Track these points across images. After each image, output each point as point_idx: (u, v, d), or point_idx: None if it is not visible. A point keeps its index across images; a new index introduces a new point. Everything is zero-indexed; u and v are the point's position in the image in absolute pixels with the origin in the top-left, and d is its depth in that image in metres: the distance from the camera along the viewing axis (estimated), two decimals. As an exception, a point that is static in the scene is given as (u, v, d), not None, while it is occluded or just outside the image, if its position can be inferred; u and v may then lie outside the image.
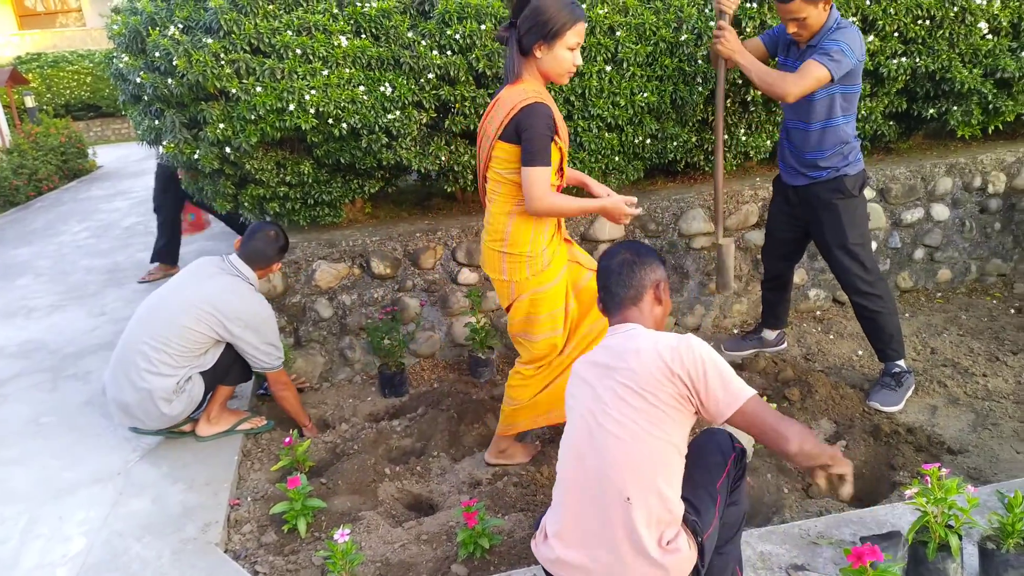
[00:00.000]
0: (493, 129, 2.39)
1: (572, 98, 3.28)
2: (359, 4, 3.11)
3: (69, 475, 2.85)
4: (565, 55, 2.32)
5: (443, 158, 3.43)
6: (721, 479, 1.73)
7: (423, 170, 3.51)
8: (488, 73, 3.21)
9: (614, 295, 1.81)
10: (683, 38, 3.20)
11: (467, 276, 3.66)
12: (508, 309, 2.58)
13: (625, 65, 3.25)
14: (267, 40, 3.03)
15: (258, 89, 3.02)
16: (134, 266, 5.81)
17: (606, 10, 3.20)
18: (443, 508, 2.56)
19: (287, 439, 2.81)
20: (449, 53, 3.19)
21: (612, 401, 1.64)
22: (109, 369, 2.99)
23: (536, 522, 1.85)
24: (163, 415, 2.87)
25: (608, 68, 3.24)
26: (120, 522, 2.53)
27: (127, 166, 12.19)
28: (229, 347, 2.97)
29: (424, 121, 3.35)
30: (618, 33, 3.20)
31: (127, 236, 6.89)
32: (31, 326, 4.55)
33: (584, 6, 3.22)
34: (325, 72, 3.06)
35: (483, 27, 3.15)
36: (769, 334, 3.51)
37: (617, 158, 3.44)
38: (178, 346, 2.84)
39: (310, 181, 3.48)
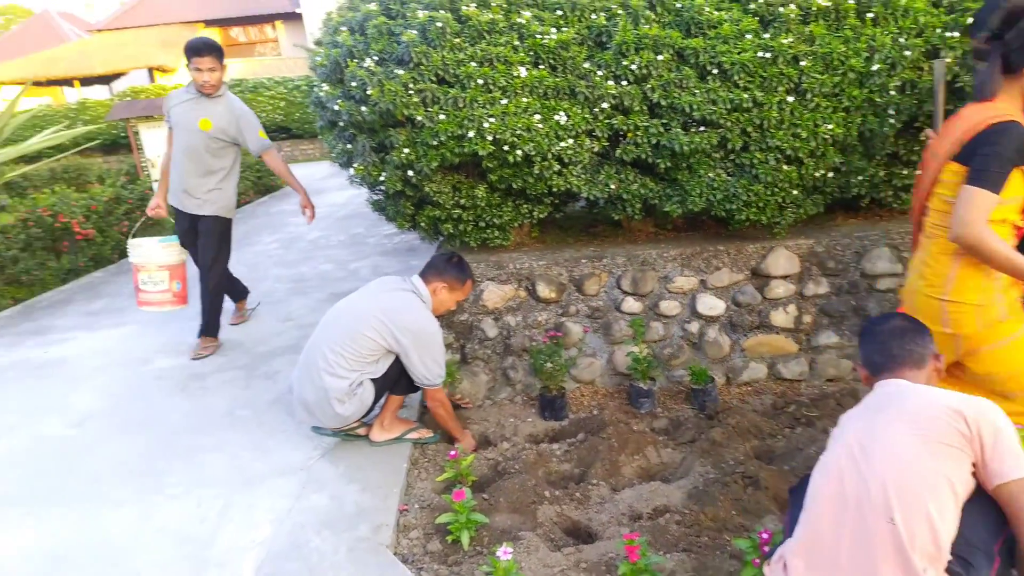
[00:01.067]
0: (945, 148, 2.16)
1: (750, 129, 3.21)
2: (539, 36, 3.22)
3: (258, 466, 3.12)
4: None
5: (612, 186, 3.46)
6: (999, 543, 1.60)
7: (592, 197, 3.56)
8: (663, 103, 3.21)
9: (894, 356, 1.84)
10: (875, 68, 3.04)
11: (631, 305, 3.65)
12: (962, 365, 2.23)
13: (809, 96, 3.13)
14: (452, 71, 3.20)
15: (441, 117, 3.19)
16: (317, 277, 6.28)
17: (790, 39, 3.11)
18: (602, 538, 2.56)
19: (452, 452, 2.92)
20: (624, 83, 3.23)
21: (883, 427, 1.63)
22: (296, 369, 3.27)
23: (768, 553, 1.82)
24: (337, 414, 3.09)
25: (790, 99, 3.14)
26: (301, 515, 2.74)
27: (312, 184, 13.16)
28: (399, 359, 3.14)
29: (595, 149, 3.40)
30: (803, 63, 3.09)
31: (311, 248, 7.47)
32: (228, 327, 5.02)
33: (767, 36, 3.15)
34: (504, 101, 3.18)
35: (660, 57, 3.16)
36: None
37: (795, 192, 3.32)
38: (352, 351, 3.05)
39: (483, 205, 3.63)
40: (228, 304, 4.75)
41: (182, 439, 3.40)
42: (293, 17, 22.90)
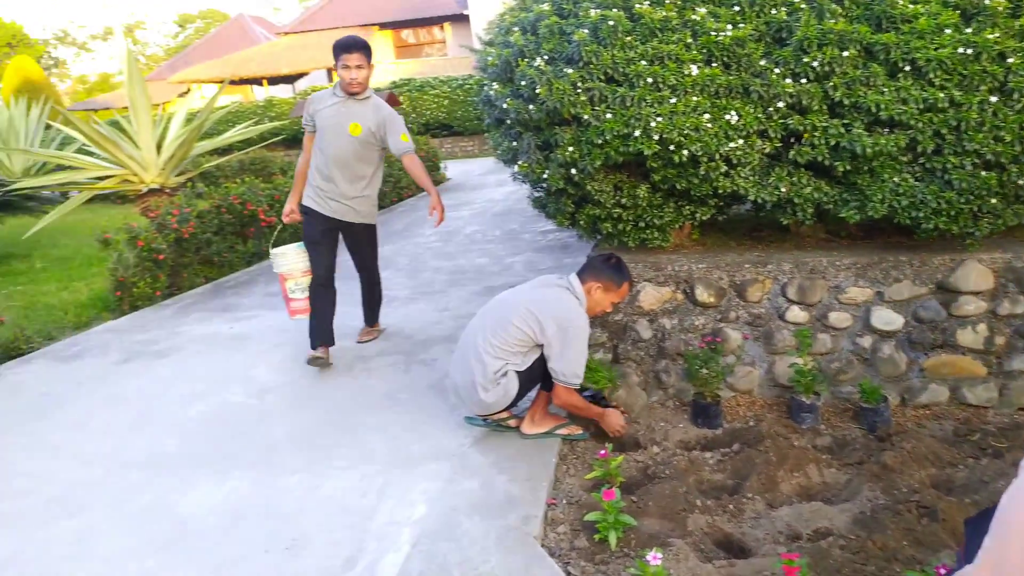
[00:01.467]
0: None
1: (944, 131, 2.95)
2: (713, 33, 3.13)
3: (415, 448, 3.26)
4: None
5: (783, 189, 3.31)
6: None
7: (760, 200, 3.42)
8: (846, 102, 3.02)
9: None
10: (1101, 63, 2.71)
11: (796, 314, 3.48)
12: None
13: (1016, 96, 2.84)
14: (621, 69, 3.18)
15: (608, 115, 3.19)
16: (473, 270, 6.47)
17: (997, 34, 2.83)
18: (756, 554, 2.46)
19: (602, 451, 2.92)
20: (803, 81, 3.07)
21: None
22: (453, 354, 3.41)
23: None
24: (480, 400, 3.17)
25: (993, 99, 2.86)
26: (454, 498, 2.84)
27: (469, 180, 13.64)
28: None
29: (767, 150, 3.26)
30: (1010, 60, 2.80)
31: (468, 242, 7.71)
32: (392, 313, 5.29)
33: (969, 31, 2.89)
34: (673, 100, 3.12)
35: (845, 54, 2.98)
36: None
37: (994, 200, 3.02)
38: (501, 339, 3.13)
39: (644, 205, 3.58)
40: (353, 321, 4.93)
41: (348, 416, 3.63)
42: (460, 19, 23.71)
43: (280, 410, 3.77)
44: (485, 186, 12.51)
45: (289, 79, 23.60)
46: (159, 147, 8.46)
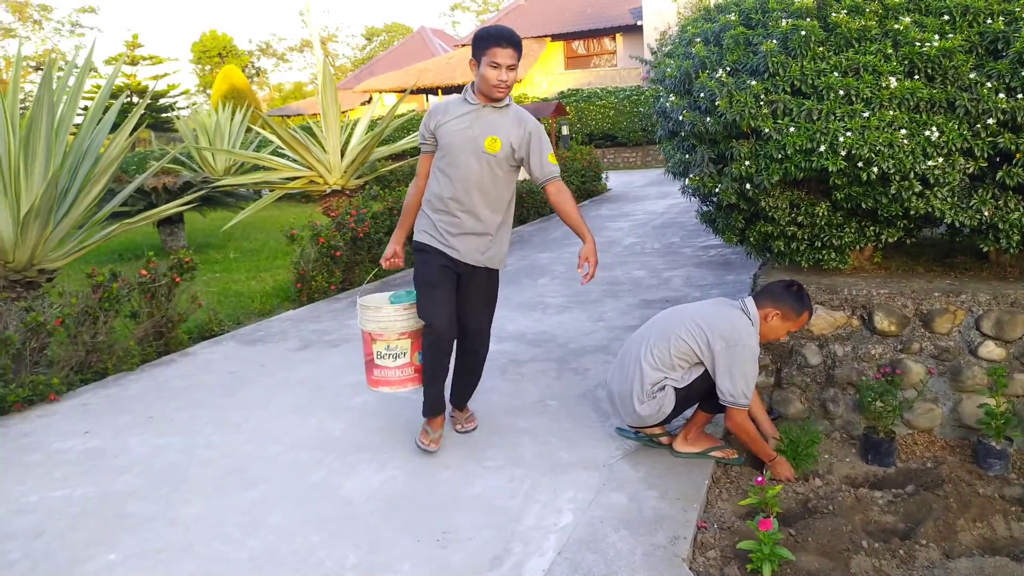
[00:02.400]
0: None
1: None
2: (918, 44, 2.91)
3: (564, 455, 3.27)
4: None
5: (986, 213, 3.01)
6: None
7: (957, 224, 3.14)
8: (1071, 120, 2.71)
9: None
10: None
11: (991, 350, 3.15)
12: None
13: None
14: (810, 81, 3.03)
15: (791, 129, 3.05)
16: (630, 282, 6.42)
17: None
18: (929, 607, 2.25)
19: (759, 478, 2.78)
20: (1020, 96, 2.78)
21: None
22: (614, 363, 3.39)
23: None
24: (634, 411, 3.12)
25: None
26: (601, 510, 2.81)
27: (630, 191, 13.55)
28: (708, 373, 3.07)
29: (970, 170, 2.99)
30: None
31: (626, 254, 7.65)
32: (546, 320, 5.36)
33: None
34: (865, 114, 2.93)
35: (1073, 66, 2.67)
36: None
37: None
38: (664, 351, 3.08)
39: (822, 223, 3.39)
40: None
41: (500, 418, 3.70)
42: (633, 29, 23.63)
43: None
44: (646, 198, 12.38)
45: (462, 89, 24.58)
46: (343, 152, 9.08)
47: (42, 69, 5.76)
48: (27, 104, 5.85)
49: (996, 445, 3.02)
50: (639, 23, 22.90)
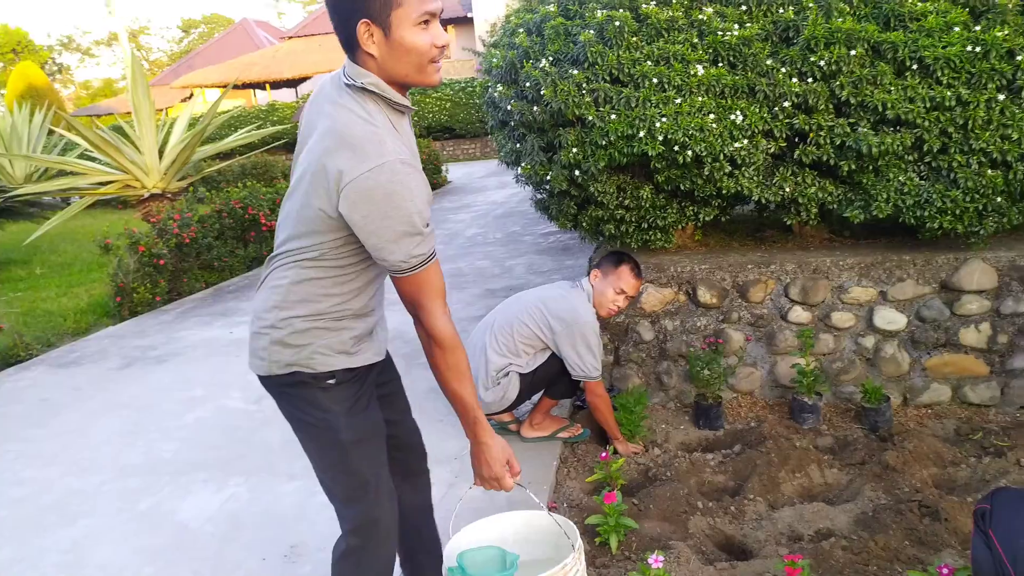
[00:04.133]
0: None
1: (951, 129, 2.93)
2: (720, 33, 3.11)
3: (415, 451, 3.23)
4: None
5: (787, 189, 3.29)
6: None
7: (763, 200, 3.40)
8: (852, 101, 3.00)
9: None
10: (1108, 61, 2.68)
11: (799, 314, 3.45)
12: None
13: None
14: (627, 70, 3.16)
15: (612, 116, 3.16)
16: (474, 273, 6.46)
17: (1006, 32, 2.80)
18: (758, 556, 2.43)
19: (603, 454, 2.89)
20: (810, 80, 3.05)
21: None
22: None
23: None
24: (479, 399, 3.15)
25: (1001, 97, 2.84)
26: (455, 503, 2.80)
27: (471, 183, 13.64)
28: (553, 358, 3.15)
29: (772, 150, 3.24)
30: (1019, 57, 2.78)
31: (469, 245, 7.69)
32: (390, 317, 5.25)
33: (977, 28, 2.87)
34: (678, 100, 3.10)
35: (852, 53, 2.95)
36: None
37: (999, 199, 2.99)
38: (509, 336, 3.16)
39: (647, 206, 3.56)
40: None
41: (348, 418, 3.60)
42: (464, 21, 23.74)
43: (278, 415, 3.69)
44: (487, 188, 12.51)
45: (292, 83, 23.63)
46: (161, 152, 8.46)
47: None
48: None
49: (808, 401, 3.32)
50: (469, 15, 23.06)
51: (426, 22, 1.52)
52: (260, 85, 23.19)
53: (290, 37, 26.03)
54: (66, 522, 2.85)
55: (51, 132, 13.50)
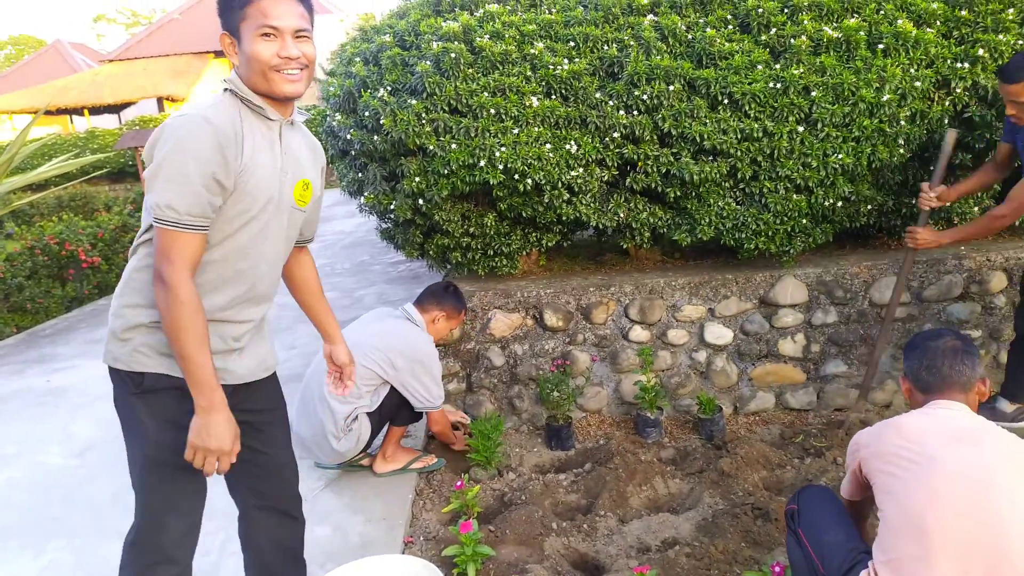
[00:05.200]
0: None
1: (760, 158, 3.21)
2: (551, 67, 3.24)
3: (261, 496, 3.06)
4: None
5: (621, 215, 3.47)
6: None
7: (601, 226, 3.56)
8: (674, 133, 3.22)
9: (945, 376, 1.86)
10: (885, 98, 3.05)
11: (638, 334, 3.63)
12: None
13: (819, 125, 3.14)
14: (465, 101, 3.22)
15: (453, 146, 3.20)
16: (321, 304, 6.26)
17: (801, 70, 3.13)
18: (610, 571, 2.51)
19: (458, 483, 2.88)
20: (635, 113, 3.24)
21: (1002, 466, 1.63)
22: (295, 404, 3.24)
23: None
24: (334, 450, 3.06)
25: (801, 128, 3.15)
26: (307, 547, 2.68)
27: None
28: (394, 390, 3.11)
29: (605, 178, 3.41)
30: (813, 93, 3.11)
31: (315, 276, 7.47)
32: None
33: (777, 67, 3.17)
34: (515, 131, 3.19)
35: (671, 88, 3.17)
36: (1007, 406, 3.17)
37: (805, 220, 3.31)
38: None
39: (492, 233, 3.63)
40: None
41: (185, 467, 3.36)
42: (301, 49, 23.17)
43: (105, 468, 3.43)
44: (334, 218, 12.21)
45: (114, 109, 22.03)
46: (-42, 183, 7.59)
47: None
48: None
49: (651, 416, 3.49)
50: (309, 42, 22.58)
51: (268, 34, 1.63)
52: (78, 111, 21.45)
53: (111, 60, 24.28)
54: None
55: None
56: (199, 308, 1.60)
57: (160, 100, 21.45)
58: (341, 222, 11.54)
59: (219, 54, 23.95)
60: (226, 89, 1.68)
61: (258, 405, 1.91)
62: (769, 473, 3.09)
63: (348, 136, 3.44)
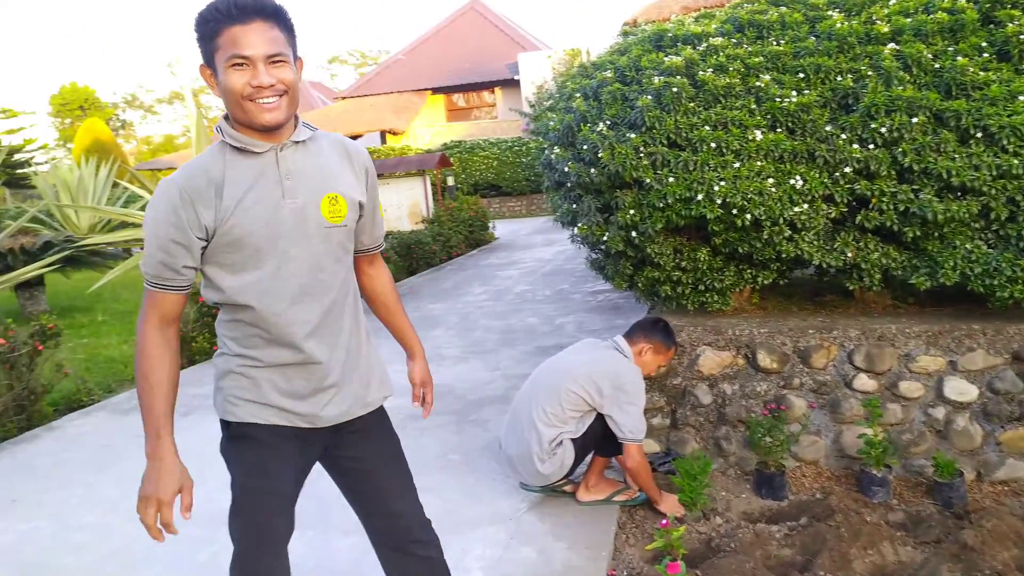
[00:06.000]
0: None
1: (1019, 198, 2.88)
2: (778, 100, 3.14)
3: (469, 512, 3.21)
4: None
5: (849, 254, 3.25)
6: None
7: (824, 265, 3.37)
8: (915, 168, 2.98)
9: None
10: None
11: (864, 383, 3.36)
12: None
13: (1096, 161, 2.76)
14: (684, 134, 3.20)
15: (670, 179, 3.19)
16: (524, 330, 6.47)
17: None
18: (831, 637, 2.33)
19: (664, 521, 2.82)
20: (871, 147, 3.05)
21: None
22: (505, 424, 3.38)
23: None
24: (538, 472, 3.12)
25: (1073, 164, 2.79)
26: (510, 566, 2.76)
27: (518, 239, 13.77)
28: (600, 418, 3.12)
29: (832, 215, 3.22)
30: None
31: (518, 302, 7.73)
32: (442, 372, 5.29)
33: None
34: (736, 164, 3.12)
35: (914, 120, 2.95)
36: None
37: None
38: (557, 407, 3.11)
39: (704, 268, 3.55)
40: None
41: (401, 476, 3.59)
42: (510, 83, 24.32)
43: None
44: (533, 246, 12.61)
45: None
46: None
47: None
48: None
49: (877, 473, 3.21)
50: (516, 77, 23.63)
51: (239, 64, 1.56)
52: (313, 142, 23.92)
53: (343, 97, 26.94)
54: (127, 570, 2.88)
55: (115, 185, 14.08)
56: (160, 362, 1.66)
57: (383, 133, 23.40)
58: (540, 250, 11.89)
59: (436, 91, 25.74)
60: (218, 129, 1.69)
61: (357, 452, 1.92)
62: (1022, 553, 2.72)
63: (565, 168, 3.55)
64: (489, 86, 25.65)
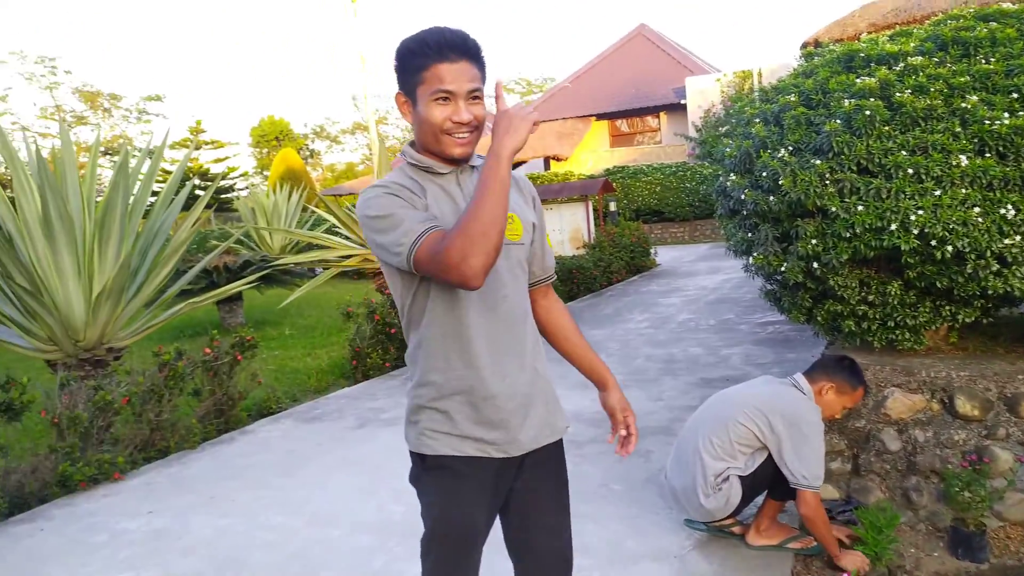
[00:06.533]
0: None
1: None
2: (987, 122, 2.87)
3: (631, 544, 3.15)
4: None
5: (1070, 293, 2.90)
6: None
7: (1038, 304, 3.02)
8: None
9: None
10: None
11: (1087, 438, 2.97)
12: None
13: None
14: (877, 160, 3.01)
15: (859, 208, 3.00)
16: (686, 360, 6.30)
17: None
18: None
19: (845, 574, 2.63)
20: (1101, 173, 2.71)
21: None
22: (671, 456, 3.30)
23: None
24: (701, 506, 3.00)
25: None
26: (676, 605, 2.68)
27: (680, 266, 13.49)
28: (771, 458, 2.96)
29: (1050, 249, 2.89)
30: None
31: (681, 330, 7.55)
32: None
33: None
34: (937, 192, 2.88)
35: None
36: None
37: None
38: (724, 438, 2.99)
39: (895, 303, 3.30)
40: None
41: (563, 501, 3.60)
42: (677, 108, 24.00)
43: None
44: (697, 273, 12.29)
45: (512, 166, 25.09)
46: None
47: (111, 154, 6.09)
48: (102, 188, 6.15)
49: (1100, 540, 2.82)
50: (682, 101, 23.27)
51: (444, 98, 1.64)
52: (480, 168, 24.80)
53: (510, 124, 27.70)
54: (308, 572, 3.08)
55: (304, 209, 15.35)
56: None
57: (547, 159, 23.85)
58: (704, 278, 11.56)
59: (600, 117, 25.91)
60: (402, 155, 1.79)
61: (536, 476, 1.86)
62: None
63: (741, 196, 3.44)
64: (654, 111, 25.45)
